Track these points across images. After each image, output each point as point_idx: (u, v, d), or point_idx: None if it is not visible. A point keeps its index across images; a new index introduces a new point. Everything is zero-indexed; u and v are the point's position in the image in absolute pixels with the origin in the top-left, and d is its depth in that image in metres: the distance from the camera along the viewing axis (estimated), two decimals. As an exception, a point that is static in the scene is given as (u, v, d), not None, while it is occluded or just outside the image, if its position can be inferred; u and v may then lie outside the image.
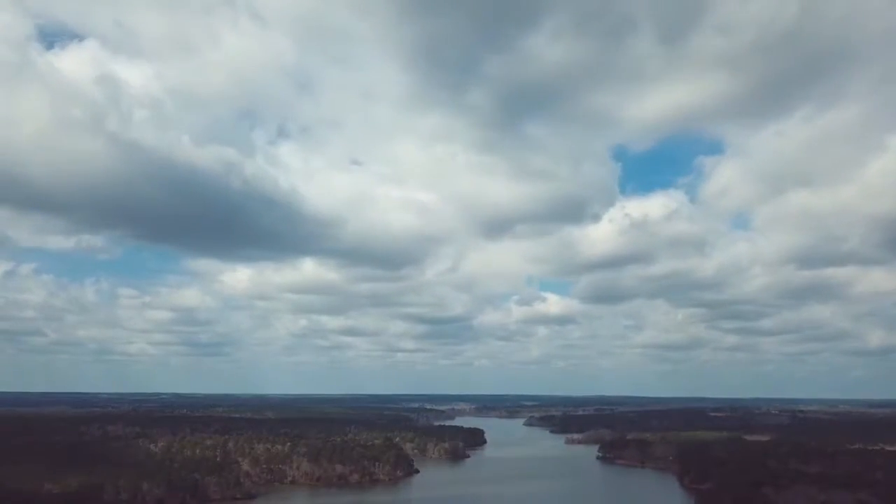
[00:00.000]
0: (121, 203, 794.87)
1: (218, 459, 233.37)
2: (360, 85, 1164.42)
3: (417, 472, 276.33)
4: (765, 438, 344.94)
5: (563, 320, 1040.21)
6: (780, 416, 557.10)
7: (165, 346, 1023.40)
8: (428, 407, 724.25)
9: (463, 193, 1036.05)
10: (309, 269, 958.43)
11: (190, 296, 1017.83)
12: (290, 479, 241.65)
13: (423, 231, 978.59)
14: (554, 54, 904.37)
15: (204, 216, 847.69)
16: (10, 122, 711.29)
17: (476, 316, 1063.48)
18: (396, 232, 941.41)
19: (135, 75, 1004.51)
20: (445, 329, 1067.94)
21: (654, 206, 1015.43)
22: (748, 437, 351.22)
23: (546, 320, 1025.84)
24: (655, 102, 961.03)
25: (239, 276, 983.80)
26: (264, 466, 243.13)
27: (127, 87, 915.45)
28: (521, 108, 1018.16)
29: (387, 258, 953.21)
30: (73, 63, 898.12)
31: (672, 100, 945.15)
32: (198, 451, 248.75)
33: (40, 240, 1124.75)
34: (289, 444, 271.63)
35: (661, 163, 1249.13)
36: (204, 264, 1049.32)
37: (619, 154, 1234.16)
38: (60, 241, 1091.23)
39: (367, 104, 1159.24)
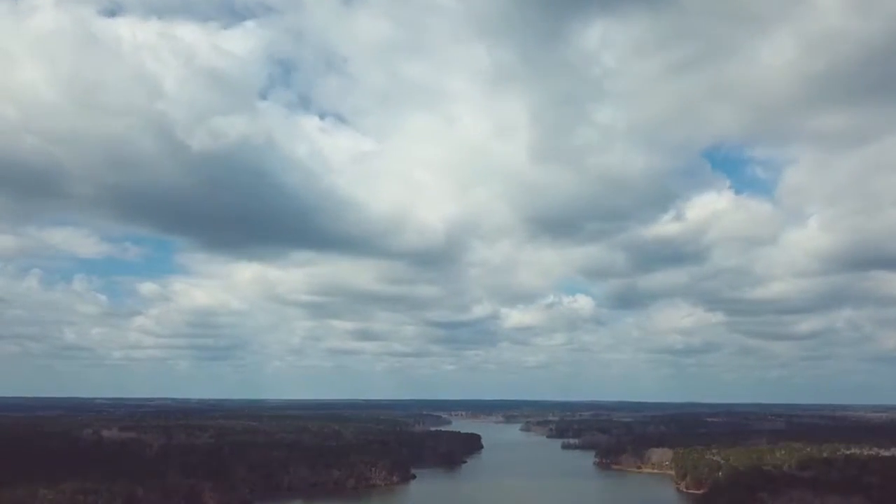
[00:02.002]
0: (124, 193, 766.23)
1: (214, 465, 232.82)
2: (426, 62, 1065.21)
3: (414, 477, 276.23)
4: (761, 443, 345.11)
5: (581, 325, 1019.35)
6: (777, 421, 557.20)
7: (166, 350, 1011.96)
8: (425, 412, 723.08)
9: (521, 188, 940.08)
10: (331, 268, 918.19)
11: (199, 297, 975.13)
12: (286, 484, 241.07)
13: (467, 228, 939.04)
14: (662, 36, 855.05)
15: (218, 207, 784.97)
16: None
17: (497, 319, 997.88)
18: (438, 229, 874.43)
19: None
20: (459, 333, 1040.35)
21: (715, 206, 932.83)
22: (745, 442, 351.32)
23: (565, 325, 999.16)
24: (741, 103, 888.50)
25: (249, 276, 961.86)
26: (260, 472, 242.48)
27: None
28: (595, 97, 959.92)
29: (422, 257, 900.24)
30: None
31: (757, 102, 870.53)
32: (194, 456, 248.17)
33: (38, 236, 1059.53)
34: (285, 449, 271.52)
35: (729, 162, 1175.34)
36: (216, 263, 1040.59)
37: (688, 150, 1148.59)
38: (60, 238, 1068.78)
39: (426, 83, 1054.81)
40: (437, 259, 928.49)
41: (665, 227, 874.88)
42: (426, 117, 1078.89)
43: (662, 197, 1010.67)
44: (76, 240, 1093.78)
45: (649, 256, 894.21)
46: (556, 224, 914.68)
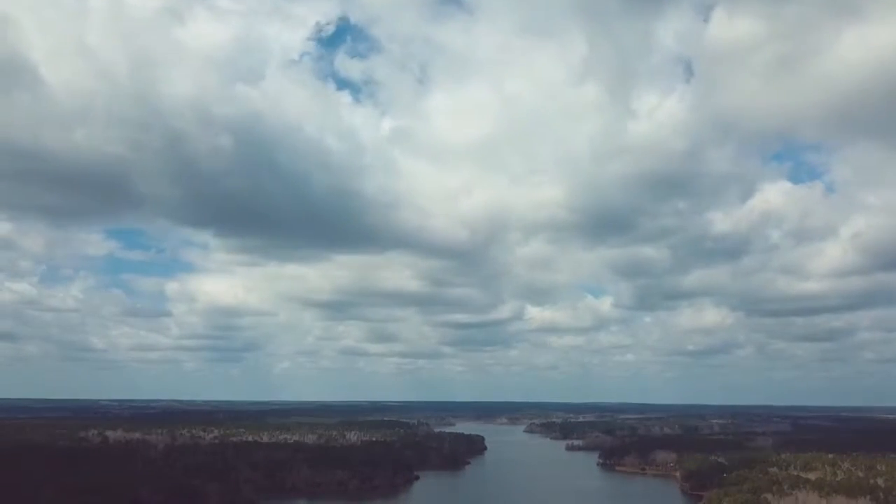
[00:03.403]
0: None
1: (218, 465, 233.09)
2: (482, 37, 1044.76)
3: (417, 478, 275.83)
4: (766, 445, 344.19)
5: (602, 325, 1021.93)
6: (782, 422, 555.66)
7: (178, 351, 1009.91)
8: (430, 414, 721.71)
9: (587, 185, 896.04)
10: (355, 266, 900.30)
11: (217, 298, 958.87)
12: (290, 485, 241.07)
13: (509, 222, 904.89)
14: (757, 31, 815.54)
15: (242, 200, 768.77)
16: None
17: (519, 320, 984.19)
18: (479, 222, 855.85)
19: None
20: (475, 334, 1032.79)
21: (776, 201, 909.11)
22: (750, 444, 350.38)
23: (587, 326, 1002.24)
24: (820, 99, 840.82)
25: (268, 276, 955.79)
26: (264, 472, 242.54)
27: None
28: (667, 90, 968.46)
29: (455, 254, 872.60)
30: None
31: (837, 99, 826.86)
32: (198, 456, 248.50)
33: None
34: (288, 450, 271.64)
35: (796, 160, 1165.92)
36: (238, 263, 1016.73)
37: (756, 145, 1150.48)
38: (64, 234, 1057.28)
39: (482, 58, 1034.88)
40: (472, 256, 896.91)
41: (720, 223, 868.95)
42: (479, 96, 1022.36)
43: (723, 193, 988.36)
44: (91, 238, 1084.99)
45: (695, 254, 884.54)
46: (606, 220, 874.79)
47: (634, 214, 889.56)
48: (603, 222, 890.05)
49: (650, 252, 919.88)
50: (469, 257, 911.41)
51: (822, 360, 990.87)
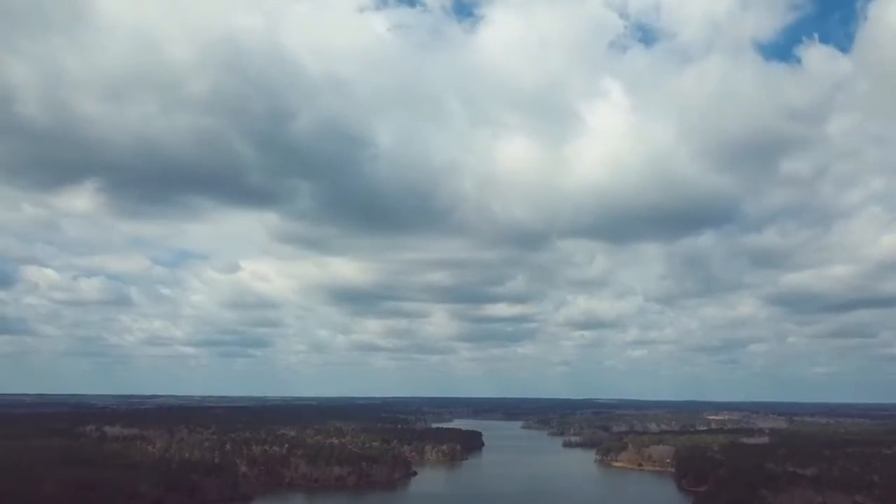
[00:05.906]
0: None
1: (216, 460, 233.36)
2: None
3: (415, 474, 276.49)
4: (762, 441, 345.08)
5: (628, 323, 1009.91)
6: (778, 419, 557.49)
7: (164, 346, 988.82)
8: (427, 409, 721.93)
9: (677, 165, 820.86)
10: (387, 257, 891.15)
11: (228, 291, 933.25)
12: (287, 480, 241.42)
13: (562, 215, 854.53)
14: None
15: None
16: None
17: (556, 313, 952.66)
18: (544, 206, 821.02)
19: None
20: (501, 328, 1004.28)
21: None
22: (746, 440, 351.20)
23: (616, 322, 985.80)
24: None
25: (266, 270, 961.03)
26: (262, 468, 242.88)
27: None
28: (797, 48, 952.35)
29: (513, 243, 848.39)
30: None
31: None
32: (196, 452, 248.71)
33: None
34: (286, 445, 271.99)
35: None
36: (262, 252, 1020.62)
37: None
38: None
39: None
40: (527, 245, 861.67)
41: (803, 209, 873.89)
42: (547, 26, 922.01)
43: (827, 177, 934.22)
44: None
45: (778, 245, 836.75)
46: (691, 210, 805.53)
47: (723, 204, 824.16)
48: (686, 213, 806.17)
49: (716, 245, 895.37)
50: (524, 246, 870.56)
51: (836, 356, 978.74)
